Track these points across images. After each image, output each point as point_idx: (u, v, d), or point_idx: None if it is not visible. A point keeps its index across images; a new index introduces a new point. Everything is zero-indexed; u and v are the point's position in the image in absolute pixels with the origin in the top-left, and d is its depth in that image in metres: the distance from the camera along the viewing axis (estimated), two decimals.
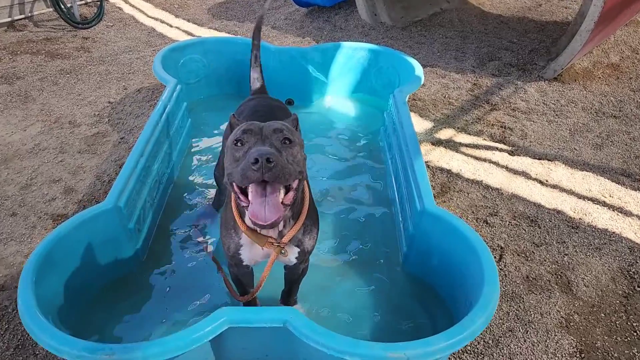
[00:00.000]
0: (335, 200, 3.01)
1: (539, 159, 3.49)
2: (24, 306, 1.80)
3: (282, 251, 1.83)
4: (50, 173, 3.25)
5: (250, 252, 1.91)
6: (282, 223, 1.79)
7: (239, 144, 1.56)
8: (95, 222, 2.22)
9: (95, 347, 1.68)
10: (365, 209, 2.95)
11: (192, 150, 3.47)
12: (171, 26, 5.88)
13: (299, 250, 1.92)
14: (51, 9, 5.80)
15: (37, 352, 2.16)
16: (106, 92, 4.26)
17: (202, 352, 1.89)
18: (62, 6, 5.48)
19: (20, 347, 2.19)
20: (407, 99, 3.33)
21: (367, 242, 2.72)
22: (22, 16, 5.72)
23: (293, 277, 2.17)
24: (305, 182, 1.84)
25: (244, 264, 1.98)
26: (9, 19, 5.60)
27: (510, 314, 2.39)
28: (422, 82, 3.53)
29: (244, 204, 1.57)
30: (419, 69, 3.63)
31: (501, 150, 3.58)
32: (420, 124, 3.86)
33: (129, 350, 1.68)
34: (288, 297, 2.27)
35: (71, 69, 4.65)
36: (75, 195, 3.06)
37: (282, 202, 1.56)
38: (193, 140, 3.58)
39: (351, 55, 4.00)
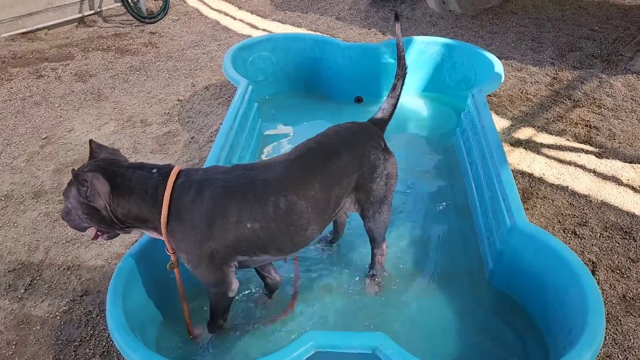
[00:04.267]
0: (409, 206, 2.90)
1: (630, 162, 3.23)
2: (114, 323, 1.81)
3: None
4: None
5: None
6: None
7: None
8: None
9: None
10: (442, 218, 2.83)
11: (264, 152, 3.44)
12: (235, 19, 5.86)
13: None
14: (119, 4, 5.91)
15: None
16: (175, 90, 4.29)
17: None
18: (129, 1, 5.56)
19: (105, 354, 2.23)
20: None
21: (447, 254, 2.60)
22: (92, 12, 5.85)
23: None
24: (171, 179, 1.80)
25: None
26: (80, 15, 5.74)
27: (608, 337, 2.22)
28: (502, 80, 3.34)
29: None
30: (498, 65, 3.44)
31: (587, 152, 3.35)
32: (496, 122, 3.66)
33: None
34: None
35: (140, 65, 4.71)
36: None
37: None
38: (264, 141, 3.54)
39: (423, 49, 3.83)
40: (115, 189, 1.74)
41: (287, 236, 1.89)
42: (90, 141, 1.87)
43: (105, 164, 1.78)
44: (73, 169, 1.69)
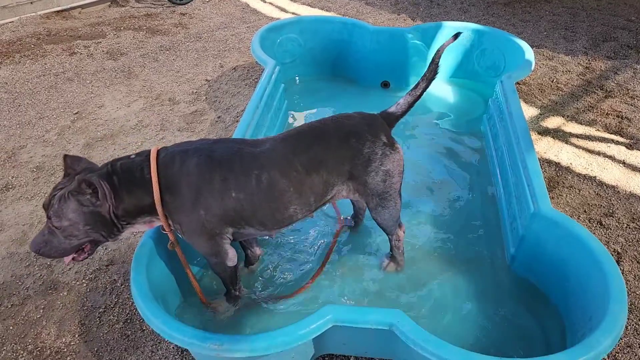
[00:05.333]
0: (433, 191, 2.89)
1: None
2: (137, 289, 1.86)
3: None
4: None
5: None
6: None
7: None
8: None
9: (205, 336, 1.71)
10: (466, 203, 2.81)
11: None
12: (264, 1, 5.87)
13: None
14: None
15: (144, 328, 2.25)
16: (203, 70, 4.33)
17: (305, 346, 1.88)
18: None
19: (128, 321, 2.29)
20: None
21: (470, 238, 2.59)
22: None
23: None
24: (152, 166, 1.81)
25: None
26: None
27: (629, 327, 2.19)
28: (532, 67, 3.28)
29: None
30: (528, 52, 3.38)
31: (617, 143, 3.28)
32: (525, 111, 3.59)
33: (236, 342, 1.69)
34: None
35: (170, 45, 4.76)
36: None
37: (74, 257, 1.89)
38: (289, 122, 3.56)
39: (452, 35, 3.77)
40: (110, 187, 1.77)
41: (269, 211, 1.91)
42: (65, 157, 1.87)
43: (90, 170, 1.82)
44: (79, 177, 1.73)
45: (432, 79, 2.13)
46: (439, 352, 1.63)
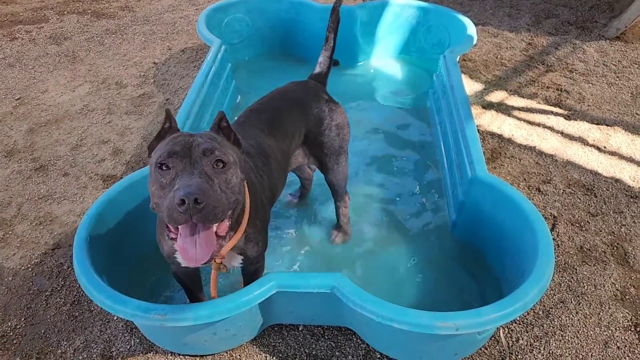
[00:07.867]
0: (381, 164, 2.96)
1: (597, 124, 3.31)
2: (80, 266, 1.84)
3: (221, 266, 1.69)
4: (99, 134, 3.31)
5: None
6: None
7: (164, 168, 1.34)
8: (145, 184, 2.23)
9: (148, 307, 1.72)
10: (412, 175, 2.89)
11: (237, 112, 3.45)
12: None
13: (242, 257, 1.76)
14: None
15: (92, 309, 2.24)
16: (151, 53, 4.26)
17: (252, 315, 1.91)
18: None
19: (76, 302, 2.27)
20: (457, 60, 3.19)
21: (415, 208, 2.67)
22: None
23: (246, 277, 1.98)
24: (245, 188, 1.60)
25: (183, 266, 1.75)
26: None
27: (562, 285, 2.31)
28: (474, 42, 3.37)
29: (172, 236, 1.40)
30: (471, 28, 3.46)
31: (556, 114, 3.41)
32: (470, 86, 3.71)
33: (180, 311, 1.71)
34: None
35: (116, 29, 4.66)
36: (123, 157, 3.11)
37: (215, 233, 1.39)
38: (237, 102, 3.55)
39: (399, 13, 3.84)
40: None
41: (279, 185, 1.97)
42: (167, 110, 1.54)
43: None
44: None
45: (337, 27, 2.24)
46: (379, 310, 1.69)
